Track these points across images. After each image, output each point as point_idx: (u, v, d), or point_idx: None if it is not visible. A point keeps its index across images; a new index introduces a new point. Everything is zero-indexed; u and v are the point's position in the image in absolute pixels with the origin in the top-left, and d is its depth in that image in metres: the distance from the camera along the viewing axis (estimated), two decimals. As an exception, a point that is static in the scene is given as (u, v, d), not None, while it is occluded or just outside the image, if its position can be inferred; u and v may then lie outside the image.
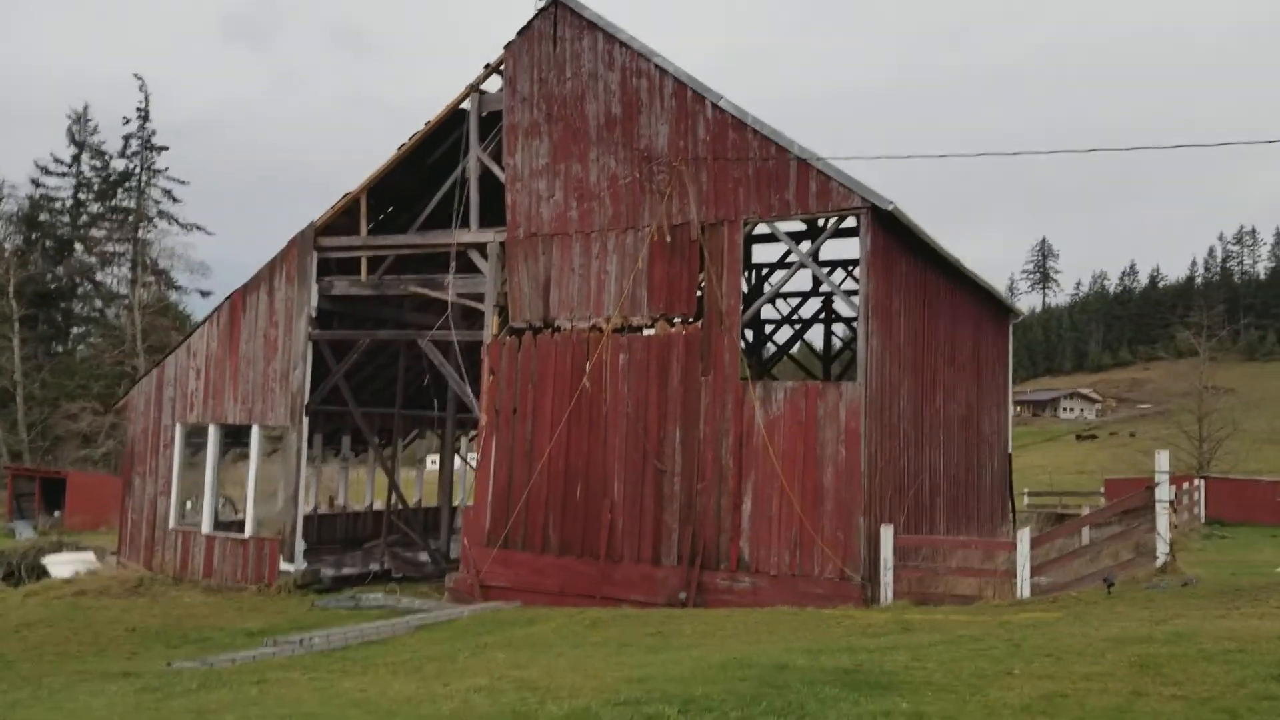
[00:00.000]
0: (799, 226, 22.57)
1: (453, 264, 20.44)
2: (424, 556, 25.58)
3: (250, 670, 11.04)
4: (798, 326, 27.38)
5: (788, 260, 24.07)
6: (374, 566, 23.63)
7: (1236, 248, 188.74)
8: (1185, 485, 32.25)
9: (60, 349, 76.51)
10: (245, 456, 24.09)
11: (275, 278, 22.15)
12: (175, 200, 75.36)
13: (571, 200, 19.36)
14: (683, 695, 7.46)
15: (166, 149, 74.83)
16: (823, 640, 10.93)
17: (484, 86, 20.67)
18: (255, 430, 22.21)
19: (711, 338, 17.91)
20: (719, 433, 17.66)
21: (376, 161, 21.51)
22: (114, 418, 67.32)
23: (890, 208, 16.68)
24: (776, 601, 16.48)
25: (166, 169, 75.38)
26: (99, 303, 76.87)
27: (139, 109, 74.17)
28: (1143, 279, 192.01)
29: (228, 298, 22.71)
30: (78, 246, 75.23)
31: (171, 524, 22.75)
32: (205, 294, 75.85)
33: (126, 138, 74.11)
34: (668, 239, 18.41)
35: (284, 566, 21.17)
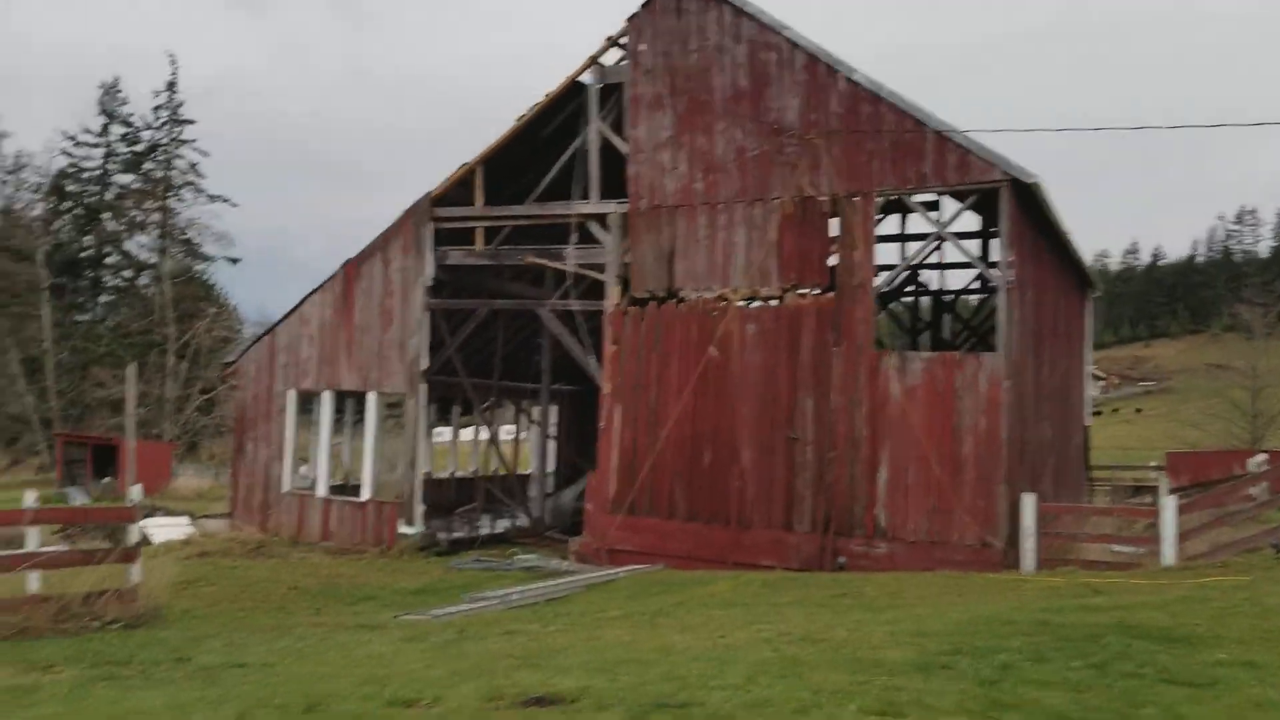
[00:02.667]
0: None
1: (573, 235, 20.72)
2: (521, 520, 26.06)
3: (481, 623, 11.42)
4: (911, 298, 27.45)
5: (916, 234, 24.25)
6: (482, 530, 24.09)
7: (1237, 228, 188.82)
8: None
9: (88, 317, 76.59)
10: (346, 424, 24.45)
11: (390, 247, 22.43)
12: (200, 175, 75.29)
13: (697, 172, 19.64)
14: (997, 647, 7.84)
15: (193, 122, 74.71)
16: (1033, 601, 11.31)
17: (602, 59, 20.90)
18: (371, 397, 22.55)
19: (843, 309, 18.24)
20: (852, 402, 18.04)
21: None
22: (144, 385, 67.75)
23: (1033, 181, 17.00)
24: (913, 567, 16.89)
25: (195, 140, 75.26)
26: (127, 271, 76.92)
27: (168, 81, 73.91)
28: (1144, 257, 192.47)
29: (341, 267, 22.98)
30: (106, 215, 75.20)
31: (285, 488, 23.13)
32: (234, 260, 75.91)
33: (156, 108, 73.97)
34: (798, 211, 18.71)
35: (403, 529, 21.57)
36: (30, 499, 11.52)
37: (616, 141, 20.49)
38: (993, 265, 19.94)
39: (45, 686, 7.76)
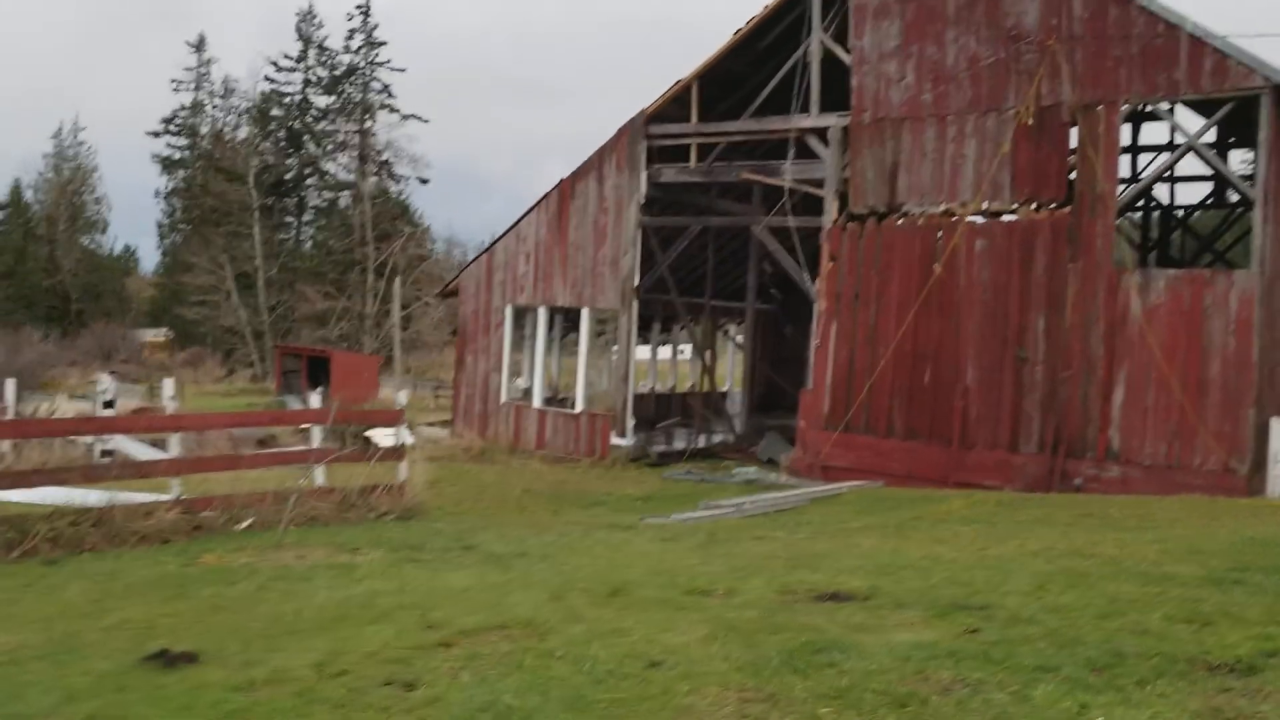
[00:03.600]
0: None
1: (791, 150, 20.48)
2: (718, 436, 26.37)
3: (725, 529, 11.69)
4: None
5: (1151, 146, 23.05)
6: (680, 444, 24.53)
7: None
8: None
9: (293, 236, 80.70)
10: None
11: (604, 165, 22.72)
12: (393, 95, 77.53)
13: (925, 83, 19.04)
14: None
15: (386, 44, 76.80)
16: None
17: (824, -33, 20.36)
18: (585, 313, 23.10)
19: (1082, 223, 17.49)
20: (1088, 321, 17.37)
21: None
22: (345, 302, 71.29)
23: (1301, 86, 15.80)
24: (1147, 491, 16.27)
25: (389, 61, 77.42)
26: (328, 192, 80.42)
27: (359, 6, 75.95)
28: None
29: (556, 185, 23.45)
30: (306, 138, 78.59)
31: (503, 399, 24.06)
32: (424, 181, 78.34)
33: (351, 32, 76.37)
34: (1035, 121, 17.93)
35: (615, 440, 22.17)
36: (315, 401, 12.37)
37: (839, 52, 20.02)
38: (1247, 179, 18.68)
39: (361, 564, 8.41)
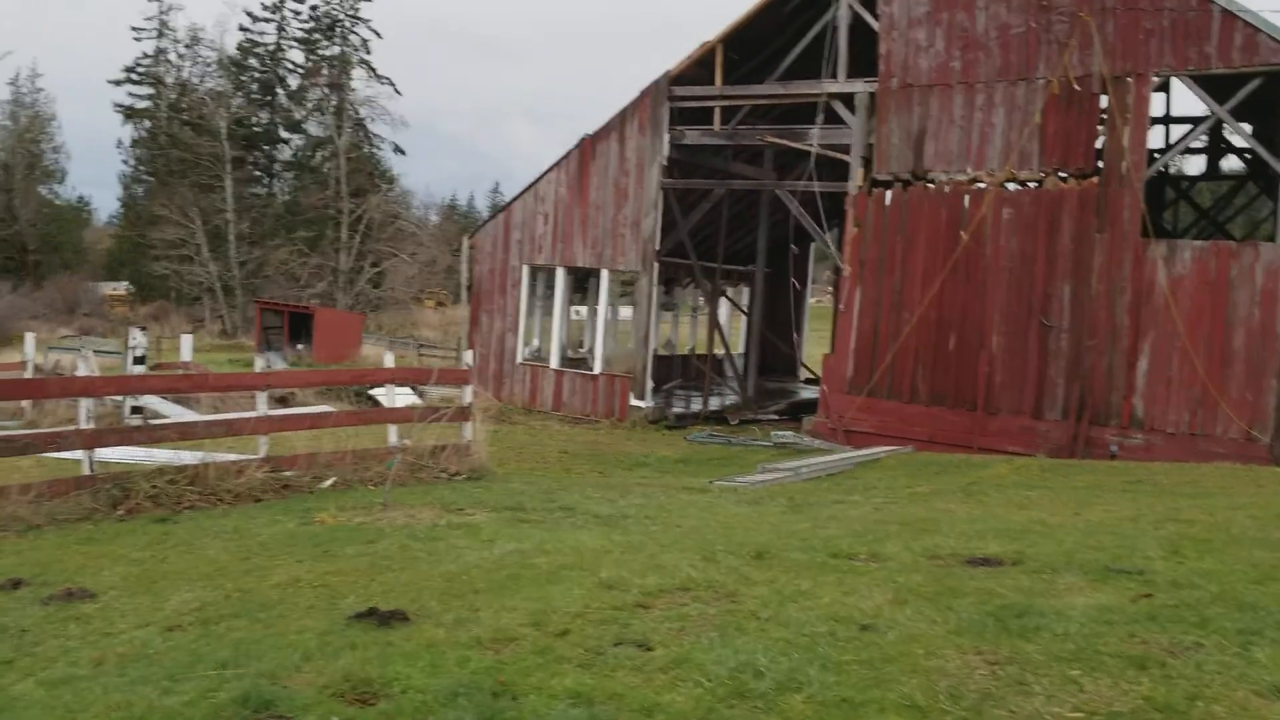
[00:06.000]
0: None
1: (819, 115, 20.57)
2: (731, 399, 26.59)
3: (795, 493, 11.91)
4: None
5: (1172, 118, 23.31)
6: (694, 406, 24.72)
7: None
8: None
9: (265, 190, 79.59)
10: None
11: (626, 126, 22.68)
12: (369, 52, 76.47)
13: (954, 50, 19.17)
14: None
15: (370, 0, 75.60)
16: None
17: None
18: (604, 274, 23.14)
19: (1110, 194, 17.79)
20: (1113, 290, 17.72)
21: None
22: (319, 259, 70.62)
23: (1334, 63, 16.12)
24: (1170, 458, 16.73)
25: (370, 20, 76.33)
26: (303, 147, 79.29)
27: (345, -44, 74.63)
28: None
29: (576, 145, 23.38)
30: (280, 92, 77.36)
31: (519, 359, 24.10)
32: (400, 151, 77.64)
33: (331, -15, 75.00)
34: (1065, 91, 18.15)
35: (634, 402, 22.32)
36: (389, 360, 12.39)
37: (868, 18, 20.08)
38: (1247, 153, 19.08)
39: (481, 525, 8.51)
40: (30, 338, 18.98)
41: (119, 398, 17.23)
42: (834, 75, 20.52)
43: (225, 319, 68.81)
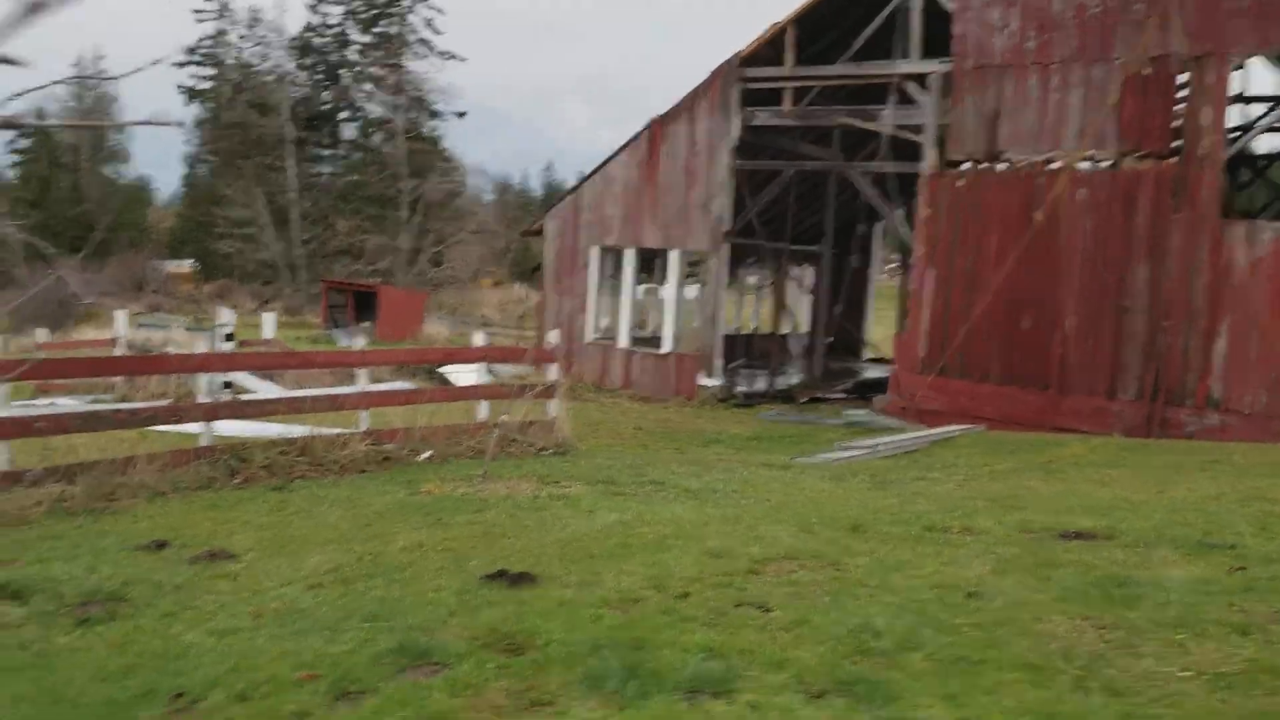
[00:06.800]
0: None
1: (892, 95, 20.61)
2: (796, 378, 26.80)
3: (876, 469, 12.14)
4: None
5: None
6: (760, 385, 24.96)
7: None
8: None
9: (328, 170, 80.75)
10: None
11: (696, 108, 22.88)
12: (438, 31, 77.10)
13: (1029, 30, 19.12)
14: None
15: (430, -22, 76.16)
16: None
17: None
18: (673, 255, 23.41)
19: (1188, 175, 17.68)
20: (1190, 272, 17.65)
21: None
22: (381, 238, 71.64)
23: None
24: (1246, 438, 16.66)
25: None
26: (363, 127, 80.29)
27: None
28: None
29: (645, 127, 23.63)
30: (344, 72, 78.31)
31: (588, 338, 24.49)
32: (461, 114, 78.04)
33: (394, -36, 75.70)
34: (1143, 72, 18.05)
35: (703, 381, 22.61)
36: (480, 339, 12.81)
37: (941, -1, 20.08)
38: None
39: (581, 497, 8.88)
40: (121, 315, 19.74)
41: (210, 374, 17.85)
42: (906, 55, 20.54)
43: (288, 297, 70.07)
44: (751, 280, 31.60)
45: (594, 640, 4.78)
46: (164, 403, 12.51)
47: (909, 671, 4.41)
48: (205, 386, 9.51)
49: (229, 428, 10.61)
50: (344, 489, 9.33)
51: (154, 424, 9.76)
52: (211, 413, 9.71)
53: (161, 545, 7.19)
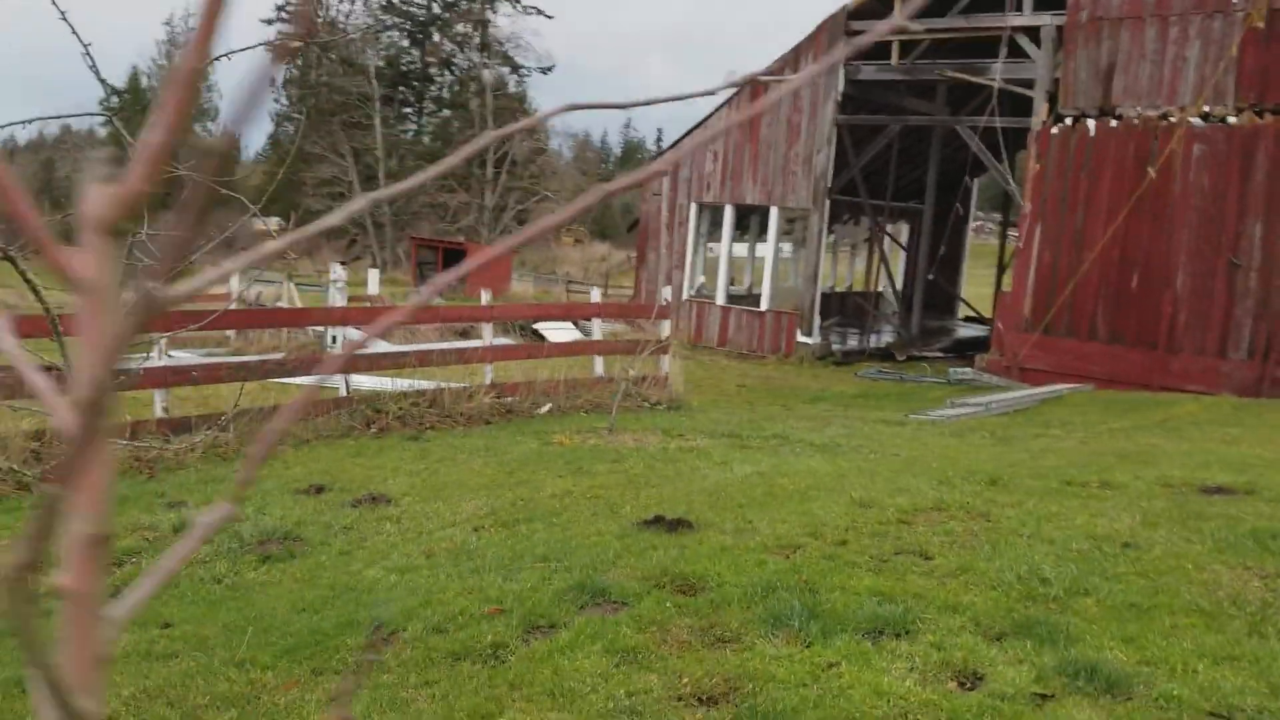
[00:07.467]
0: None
1: (1003, 49, 20.20)
2: (891, 335, 26.65)
3: (992, 427, 12.16)
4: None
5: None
6: (853, 343, 24.90)
7: None
8: None
9: (414, 128, 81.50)
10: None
11: (801, 62, 22.68)
12: (520, -13, 77.08)
13: (1146, -19, 18.59)
14: None
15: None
16: None
17: None
18: (774, 211, 23.36)
19: (1312, 129, 17.14)
20: (1312, 229, 17.15)
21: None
22: (465, 196, 72.37)
23: None
24: (1366, 401, 16.26)
25: (510, -49, 76.81)
26: (451, 84, 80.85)
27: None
28: None
29: (745, 82, 23.45)
30: (430, 30, 78.80)
31: (685, 295, 24.61)
32: (546, 70, 78.12)
33: (476, -80, 75.80)
34: (1264, 24, 17.46)
35: (801, 339, 22.62)
36: (595, 295, 13.03)
37: (1054, -52, 19.59)
38: None
39: (711, 450, 9.06)
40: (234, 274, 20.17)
41: (320, 328, 18.40)
42: (1018, 8, 20.11)
43: (375, 254, 71.18)
44: (847, 238, 31.39)
45: (765, 582, 4.97)
46: (304, 354, 12.96)
47: (1084, 616, 4.53)
48: (340, 338, 9.83)
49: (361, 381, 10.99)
50: (477, 439, 9.64)
51: (296, 375, 10.17)
52: (350, 365, 10.08)
53: (320, 489, 7.55)
